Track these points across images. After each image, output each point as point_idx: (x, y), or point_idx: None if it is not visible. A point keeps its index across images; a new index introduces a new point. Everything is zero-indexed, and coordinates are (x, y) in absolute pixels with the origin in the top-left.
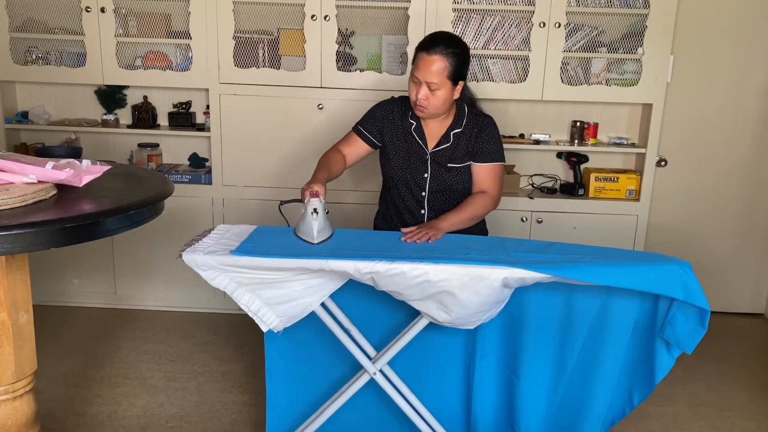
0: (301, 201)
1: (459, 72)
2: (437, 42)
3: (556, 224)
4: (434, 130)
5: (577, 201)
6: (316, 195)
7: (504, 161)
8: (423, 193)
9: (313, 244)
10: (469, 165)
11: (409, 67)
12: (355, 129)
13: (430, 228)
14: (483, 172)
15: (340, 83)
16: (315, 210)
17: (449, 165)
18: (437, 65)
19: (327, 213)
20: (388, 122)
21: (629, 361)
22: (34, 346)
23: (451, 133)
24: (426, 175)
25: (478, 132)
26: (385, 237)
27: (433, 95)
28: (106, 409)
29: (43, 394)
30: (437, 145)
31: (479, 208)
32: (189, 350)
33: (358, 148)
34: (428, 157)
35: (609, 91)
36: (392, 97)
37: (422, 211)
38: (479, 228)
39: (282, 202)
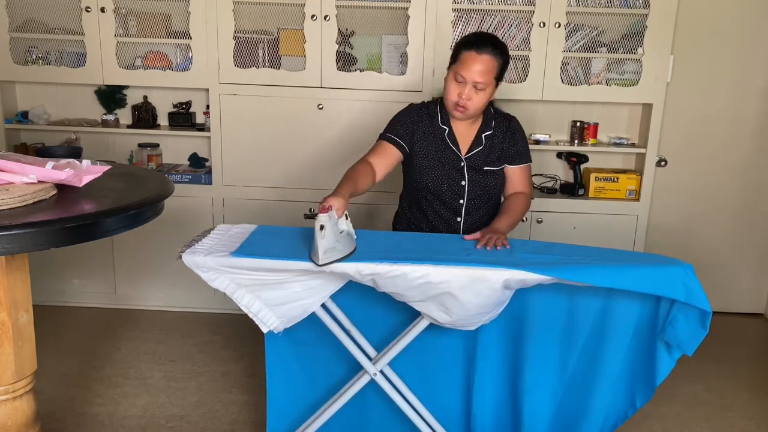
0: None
1: (503, 72)
2: (486, 42)
3: (556, 224)
4: (465, 135)
5: (577, 201)
6: (326, 210)
7: (531, 161)
8: (461, 201)
9: (318, 265)
10: (503, 168)
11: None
12: (385, 137)
13: (494, 233)
14: (518, 174)
15: (340, 83)
16: (322, 227)
17: (485, 169)
18: (488, 64)
19: (342, 230)
20: (419, 129)
21: (630, 363)
22: (34, 346)
23: (483, 135)
24: (464, 183)
25: (510, 134)
26: (386, 238)
27: (477, 95)
28: (106, 409)
29: (43, 394)
30: (470, 150)
31: (524, 209)
32: (189, 350)
33: (390, 157)
34: (464, 164)
35: (609, 91)
36: (411, 104)
37: (458, 219)
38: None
39: (306, 216)
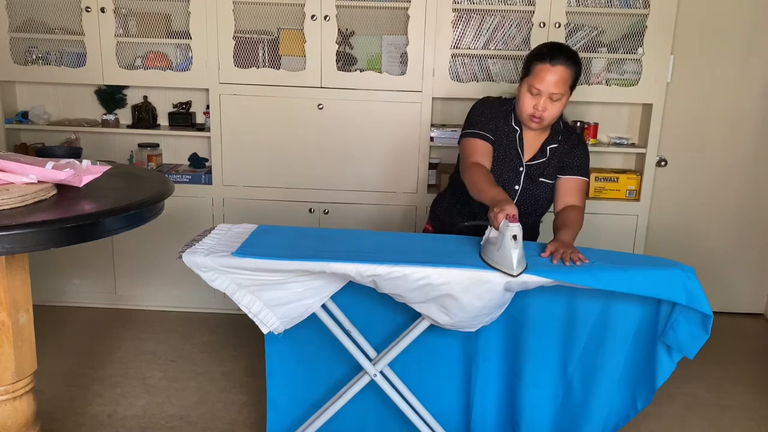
0: (486, 223)
1: (577, 81)
2: (558, 53)
3: None
4: (532, 142)
5: None
6: (515, 220)
7: (589, 179)
8: None
9: (513, 276)
10: (557, 180)
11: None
12: (476, 135)
13: (567, 248)
14: (572, 184)
15: (340, 83)
16: (514, 237)
17: (540, 180)
18: (562, 75)
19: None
20: (499, 121)
21: (632, 366)
22: (34, 346)
23: (548, 147)
24: (517, 188)
25: (569, 148)
26: (387, 238)
27: (553, 105)
28: (106, 409)
29: (43, 394)
30: (532, 159)
31: (581, 223)
32: (189, 350)
33: (490, 153)
34: (523, 169)
35: (609, 91)
36: (488, 96)
37: None
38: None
39: (466, 225)
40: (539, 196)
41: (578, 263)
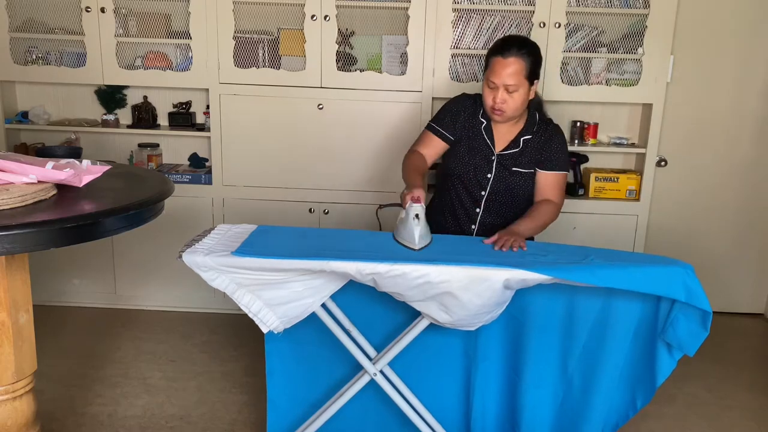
0: (400, 205)
1: (534, 71)
2: (510, 45)
3: (556, 224)
4: (503, 134)
5: (577, 201)
6: (418, 200)
7: (568, 171)
8: (482, 193)
9: (415, 249)
10: (534, 172)
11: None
12: (430, 127)
13: (510, 234)
14: (548, 180)
15: (340, 83)
16: (417, 216)
17: (514, 169)
18: (515, 67)
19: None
20: (461, 117)
21: (632, 364)
22: (34, 346)
23: (521, 139)
24: (489, 176)
25: (546, 140)
26: (387, 238)
27: (511, 97)
28: (106, 409)
29: (43, 394)
30: (505, 149)
31: (548, 217)
32: (189, 350)
33: (435, 147)
34: (494, 158)
35: (609, 91)
36: (463, 93)
37: (477, 210)
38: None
39: (380, 206)
40: (514, 184)
41: (515, 249)
